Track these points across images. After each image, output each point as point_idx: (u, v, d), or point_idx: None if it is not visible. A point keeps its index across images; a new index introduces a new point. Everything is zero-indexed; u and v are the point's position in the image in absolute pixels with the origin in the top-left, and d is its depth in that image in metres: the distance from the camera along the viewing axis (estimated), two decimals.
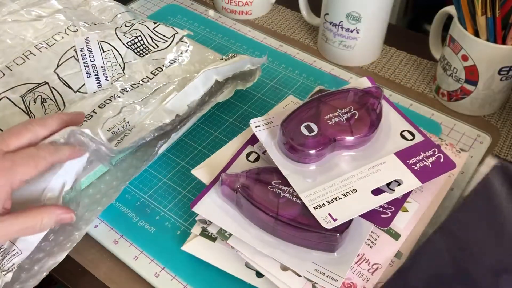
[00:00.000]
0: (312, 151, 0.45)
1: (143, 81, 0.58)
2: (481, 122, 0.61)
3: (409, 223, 0.46)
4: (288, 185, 0.44)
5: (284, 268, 0.43)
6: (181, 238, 0.49)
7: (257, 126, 0.49)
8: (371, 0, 0.62)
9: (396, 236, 0.45)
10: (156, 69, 0.59)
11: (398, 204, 0.45)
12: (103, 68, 0.58)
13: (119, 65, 0.59)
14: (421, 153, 0.47)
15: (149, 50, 0.61)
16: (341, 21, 0.65)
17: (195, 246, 0.46)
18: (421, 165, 0.46)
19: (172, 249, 0.48)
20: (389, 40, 0.70)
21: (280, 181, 0.45)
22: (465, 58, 0.57)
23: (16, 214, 0.40)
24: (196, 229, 0.47)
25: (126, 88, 0.57)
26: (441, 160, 0.46)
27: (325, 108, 0.48)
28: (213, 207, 0.46)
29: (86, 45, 0.60)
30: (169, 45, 0.62)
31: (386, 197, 0.44)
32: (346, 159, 0.47)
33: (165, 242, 0.49)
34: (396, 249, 0.45)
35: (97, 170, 0.52)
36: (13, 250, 0.42)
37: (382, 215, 0.44)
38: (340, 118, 0.47)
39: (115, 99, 0.55)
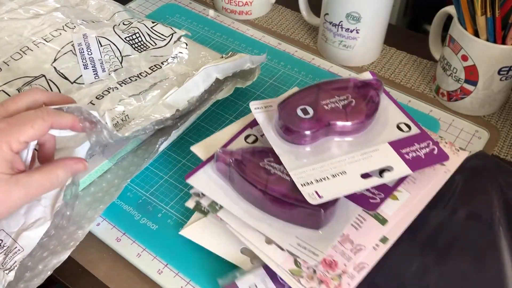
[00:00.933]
0: (306, 133, 0.46)
1: (141, 75, 0.57)
2: (481, 122, 0.61)
3: (397, 211, 0.46)
4: (280, 163, 0.45)
5: (268, 242, 0.44)
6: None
7: (256, 108, 0.50)
8: (371, 0, 0.62)
9: (383, 221, 0.45)
10: (154, 65, 0.59)
11: (388, 191, 0.46)
12: (100, 60, 0.58)
13: (117, 58, 0.59)
14: (415, 144, 0.47)
15: (147, 47, 0.61)
16: (341, 21, 0.65)
17: (193, 231, 0.47)
18: (414, 155, 0.46)
19: (174, 246, 0.48)
20: (389, 40, 0.70)
21: (272, 159, 0.46)
22: (465, 58, 0.57)
23: (30, 172, 0.39)
24: (190, 203, 0.47)
25: (124, 80, 0.56)
26: (435, 152, 0.47)
27: (323, 94, 0.49)
28: (206, 181, 0.47)
29: (84, 40, 0.60)
30: (167, 43, 0.62)
31: (374, 181, 0.44)
32: (340, 145, 0.47)
33: (167, 239, 0.49)
34: (382, 234, 0.45)
35: (98, 169, 0.52)
36: (15, 248, 0.42)
37: (370, 200, 0.45)
38: (337, 104, 0.48)
39: (113, 91, 0.55)
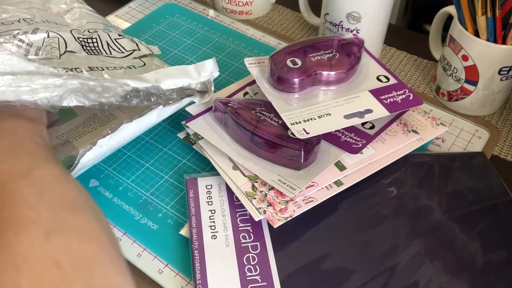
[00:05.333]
0: (295, 80, 0.52)
1: (76, 70, 0.51)
2: (481, 121, 0.61)
3: (358, 162, 0.51)
4: (271, 112, 0.51)
5: (235, 168, 0.50)
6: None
7: (251, 63, 0.56)
8: (371, 0, 0.62)
9: (341, 168, 0.50)
10: (96, 67, 0.53)
11: (369, 138, 0.51)
12: (39, 47, 0.53)
13: (59, 50, 0.54)
14: (393, 91, 0.53)
15: (99, 53, 0.56)
16: (341, 21, 0.65)
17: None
18: (391, 100, 0.52)
19: (175, 246, 0.48)
20: (389, 40, 0.70)
21: (264, 109, 0.52)
22: (465, 58, 0.57)
23: None
24: (181, 135, 0.56)
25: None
26: (410, 98, 0.53)
27: (310, 49, 0.55)
28: (204, 125, 0.53)
29: (32, 30, 0.55)
30: (124, 57, 0.57)
31: (355, 121, 0.50)
32: (325, 93, 0.53)
33: (168, 239, 0.49)
34: (338, 178, 0.50)
35: None
36: None
37: (353, 145, 0.51)
38: (322, 57, 0.54)
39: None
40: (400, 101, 0.52)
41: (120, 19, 0.76)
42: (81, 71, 0.49)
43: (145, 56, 0.59)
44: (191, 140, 0.55)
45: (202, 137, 0.53)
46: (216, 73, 0.52)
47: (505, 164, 0.58)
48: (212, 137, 0.52)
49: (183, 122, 0.54)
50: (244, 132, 0.50)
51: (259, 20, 0.77)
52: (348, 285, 0.44)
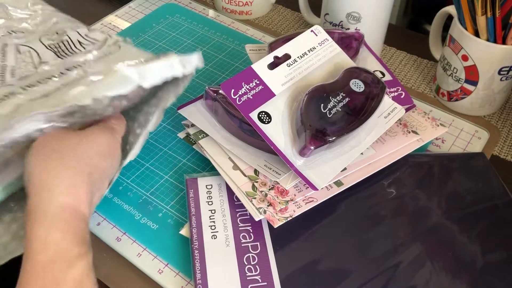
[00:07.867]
0: None
1: (54, 77, 0.51)
2: (481, 122, 0.61)
3: (358, 163, 0.51)
4: None
5: (235, 168, 0.50)
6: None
7: (251, 50, 0.58)
8: (371, 0, 0.62)
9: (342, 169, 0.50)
10: (73, 66, 0.52)
11: None
12: (12, 67, 0.53)
13: (34, 64, 0.54)
14: (386, 88, 0.52)
15: (74, 53, 0.56)
16: (341, 21, 0.65)
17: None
18: None
19: (175, 246, 0.48)
20: (389, 40, 0.70)
21: None
22: (465, 58, 0.57)
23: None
24: (181, 135, 0.56)
25: (30, 84, 0.50)
26: (402, 97, 0.54)
27: None
28: (195, 112, 0.54)
29: (2, 50, 0.55)
30: (99, 48, 0.57)
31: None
32: None
33: (168, 239, 0.49)
34: (338, 178, 0.50)
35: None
36: None
37: None
38: None
39: (14, 96, 0.49)
40: (391, 98, 0.52)
41: (120, 19, 0.76)
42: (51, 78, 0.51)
43: (118, 41, 0.58)
44: (191, 140, 0.55)
45: (202, 137, 0.53)
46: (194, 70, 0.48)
47: (505, 164, 0.58)
48: (203, 123, 0.53)
49: (183, 122, 0.55)
50: (233, 119, 0.50)
51: (259, 20, 0.77)
52: (348, 285, 0.44)
